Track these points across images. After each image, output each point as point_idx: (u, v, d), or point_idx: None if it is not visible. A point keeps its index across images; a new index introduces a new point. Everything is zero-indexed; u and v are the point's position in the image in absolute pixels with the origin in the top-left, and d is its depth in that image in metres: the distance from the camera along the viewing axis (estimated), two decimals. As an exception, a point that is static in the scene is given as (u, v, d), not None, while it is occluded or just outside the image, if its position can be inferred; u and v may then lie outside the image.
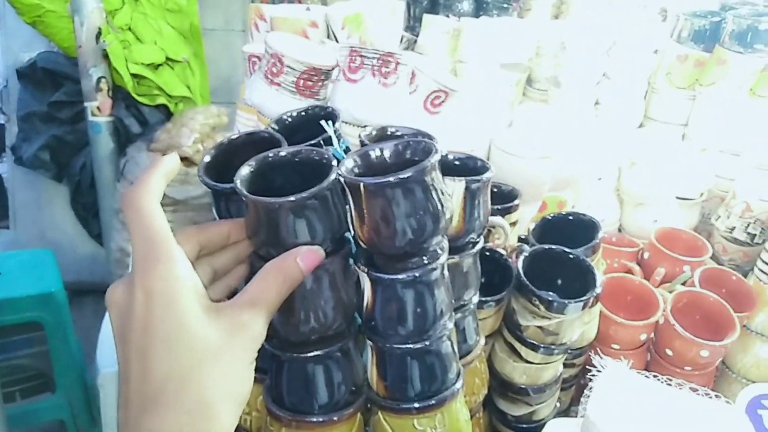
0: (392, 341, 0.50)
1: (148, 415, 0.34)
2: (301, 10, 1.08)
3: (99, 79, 1.97)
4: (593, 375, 0.69)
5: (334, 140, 0.52)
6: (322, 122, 0.52)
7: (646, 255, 0.93)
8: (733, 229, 0.99)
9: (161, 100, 2.13)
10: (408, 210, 0.45)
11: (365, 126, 0.61)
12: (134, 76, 2.00)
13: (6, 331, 1.51)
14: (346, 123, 0.69)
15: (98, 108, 1.99)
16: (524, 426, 0.75)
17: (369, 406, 0.54)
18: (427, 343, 0.50)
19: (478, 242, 0.57)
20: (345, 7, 1.04)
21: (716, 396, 0.69)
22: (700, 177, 1.06)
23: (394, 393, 0.52)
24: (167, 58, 2.11)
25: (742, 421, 0.65)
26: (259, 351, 0.39)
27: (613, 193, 1.04)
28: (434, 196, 0.47)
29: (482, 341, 0.63)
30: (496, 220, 0.74)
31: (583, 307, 0.66)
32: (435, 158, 0.45)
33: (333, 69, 0.70)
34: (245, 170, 0.47)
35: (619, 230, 1.06)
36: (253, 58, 0.80)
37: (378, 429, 0.54)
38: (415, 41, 1.19)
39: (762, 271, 0.84)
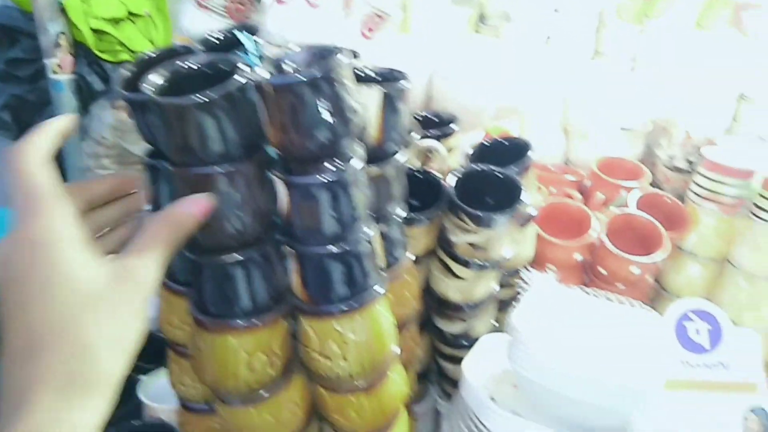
0: (310, 245, 0.52)
1: (30, 363, 0.34)
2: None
3: (58, 35, 1.91)
4: (521, 287, 0.72)
5: (249, 47, 0.52)
6: (236, 32, 0.53)
7: (588, 183, 0.95)
8: (673, 157, 1.01)
9: (124, 56, 2.08)
10: (317, 111, 0.46)
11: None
12: (95, 31, 1.95)
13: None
14: (278, 46, 0.69)
15: (59, 65, 1.94)
16: (461, 343, 0.78)
17: (294, 313, 0.56)
18: (345, 246, 0.52)
19: (398, 153, 0.58)
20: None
21: (641, 306, 0.73)
22: (644, 108, 1.08)
23: (314, 297, 0.54)
24: (129, 13, 2.05)
25: (662, 325, 0.69)
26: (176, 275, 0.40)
27: (559, 125, 1.05)
28: (344, 97, 0.47)
29: (410, 256, 0.64)
30: (432, 143, 0.75)
31: (510, 221, 0.68)
32: (342, 58, 0.46)
33: (263, -8, 0.70)
34: (156, 78, 0.47)
35: (566, 163, 1.08)
36: (186, -14, 0.79)
37: (302, 335, 0.56)
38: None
39: (694, 192, 0.87)
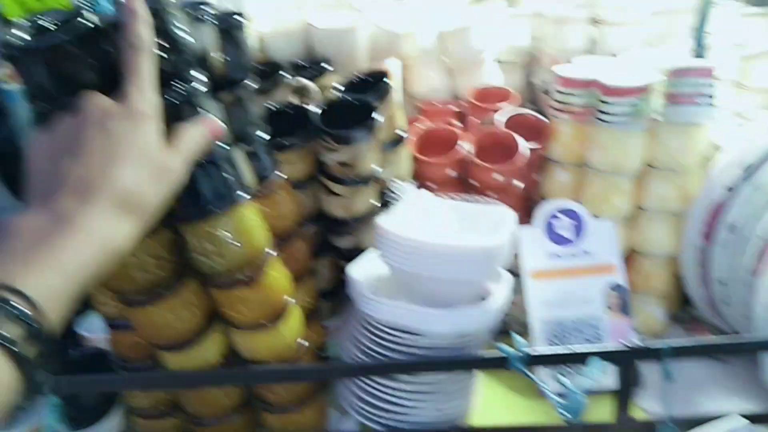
0: None
1: (102, 180, 0.47)
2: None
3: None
4: (391, 197, 0.83)
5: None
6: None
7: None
8: (546, 82, 1.13)
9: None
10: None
11: None
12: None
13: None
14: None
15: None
16: (355, 256, 0.89)
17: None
18: (203, 159, 0.62)
19: (244, 81, 0.68)
20: None
21: (501, 205, 0.84)
22: (520, 41, 1.20)
23: (185, 206, 0.64)
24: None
25: (508, 216, 0.80)
26: None
27: (441, 63, 1.16)
28: (174, 30, 0.58)
29: (281, 175, 0.75)
30: (303, 81, 0.86)
31: (369, 138, 0.79)
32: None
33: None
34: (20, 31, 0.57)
35: (456, 98, 1.19)
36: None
37: (184, 240, 0.67)
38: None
39: (552, 107, 0.99)
